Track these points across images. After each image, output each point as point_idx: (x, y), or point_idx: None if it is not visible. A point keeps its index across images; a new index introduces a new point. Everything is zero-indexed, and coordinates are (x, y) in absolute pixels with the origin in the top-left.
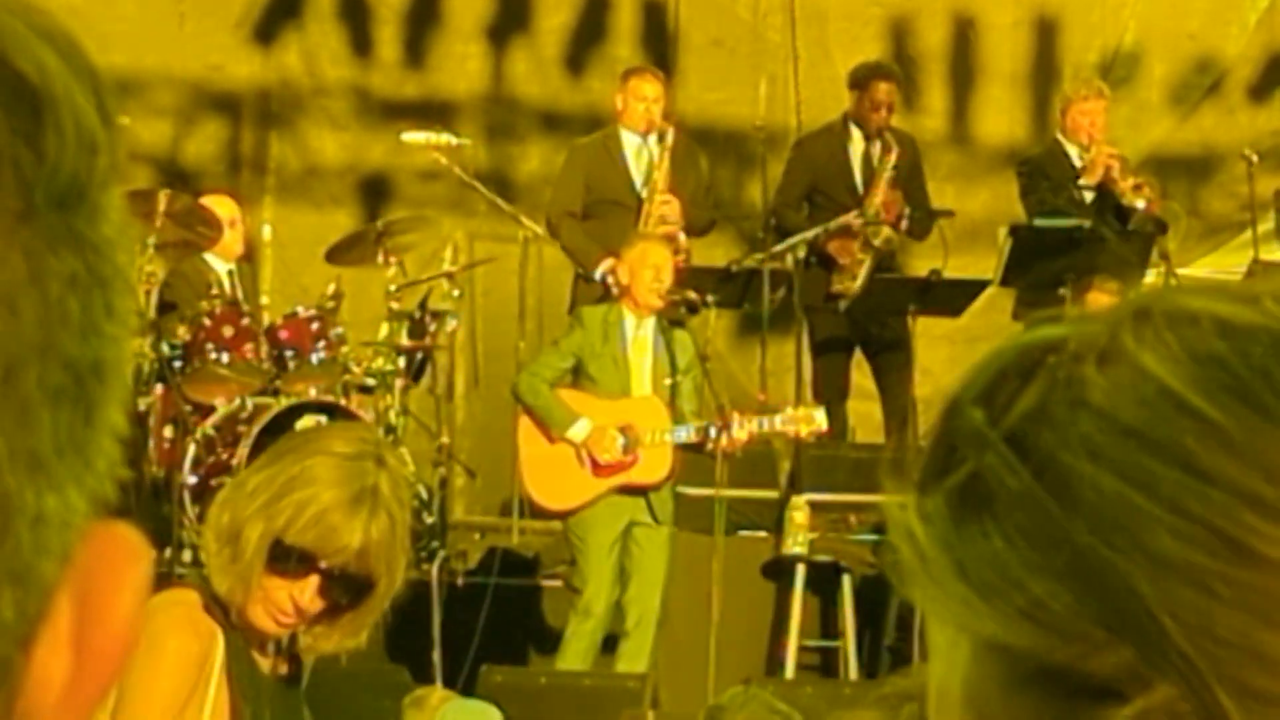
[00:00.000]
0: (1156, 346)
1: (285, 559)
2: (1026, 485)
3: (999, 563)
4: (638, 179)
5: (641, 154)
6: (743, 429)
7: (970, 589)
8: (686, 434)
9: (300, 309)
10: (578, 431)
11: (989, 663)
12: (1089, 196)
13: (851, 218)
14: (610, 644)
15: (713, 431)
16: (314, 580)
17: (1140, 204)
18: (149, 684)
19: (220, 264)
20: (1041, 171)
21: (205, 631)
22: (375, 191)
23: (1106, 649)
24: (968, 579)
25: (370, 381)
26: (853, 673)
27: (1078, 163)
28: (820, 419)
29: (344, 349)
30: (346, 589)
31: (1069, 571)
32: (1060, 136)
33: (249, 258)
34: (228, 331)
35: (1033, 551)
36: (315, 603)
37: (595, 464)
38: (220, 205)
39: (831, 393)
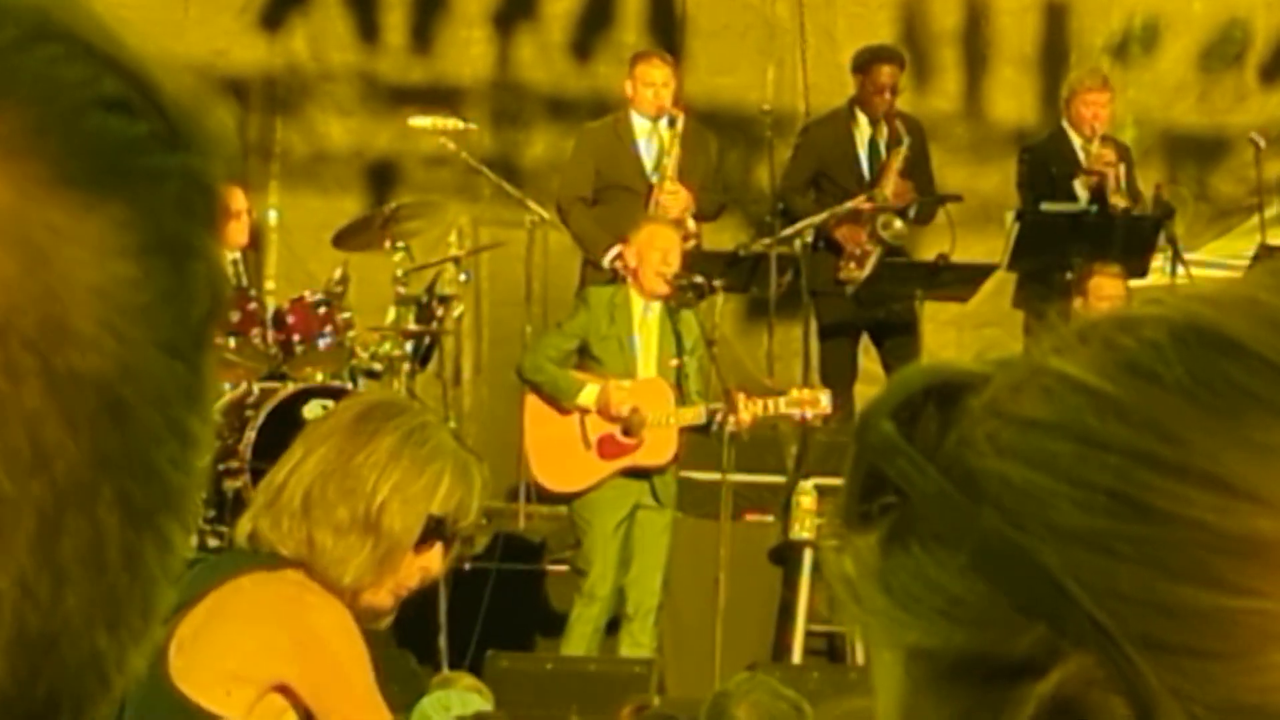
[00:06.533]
0: (1063, 352)
1: (431, 534)
2: (934, 483)
3: (918, 570)
4: (648, 164)
5: (652, 139)
6: (747, 411)
7: (893, 602)
8: (692, 416)
9: (307, 294)
10: (587, 396)
11: (915, 670)
12: (1084, 196)
13: (860, 201)
14: (615, 628)
15: (718, 415)
16: (440, 548)
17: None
18: (350, 664)
19: (225, 252)
20: (1043, 160)
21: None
22: (382, 177)
23: (1021, 630)
24: (891, 594)
25: (377, 366)
26: (859, 658)
27: (1080, 154)
28: (825, 401)
29: (350, 334)
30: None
31: (980, 560)
32: (1065, 125)
33: (254, 245)
34: (234, 316)
35: (946, 550)
36: (439, 569)
37: (600, 446)
38: (228, 196)
39: (838, 377)
